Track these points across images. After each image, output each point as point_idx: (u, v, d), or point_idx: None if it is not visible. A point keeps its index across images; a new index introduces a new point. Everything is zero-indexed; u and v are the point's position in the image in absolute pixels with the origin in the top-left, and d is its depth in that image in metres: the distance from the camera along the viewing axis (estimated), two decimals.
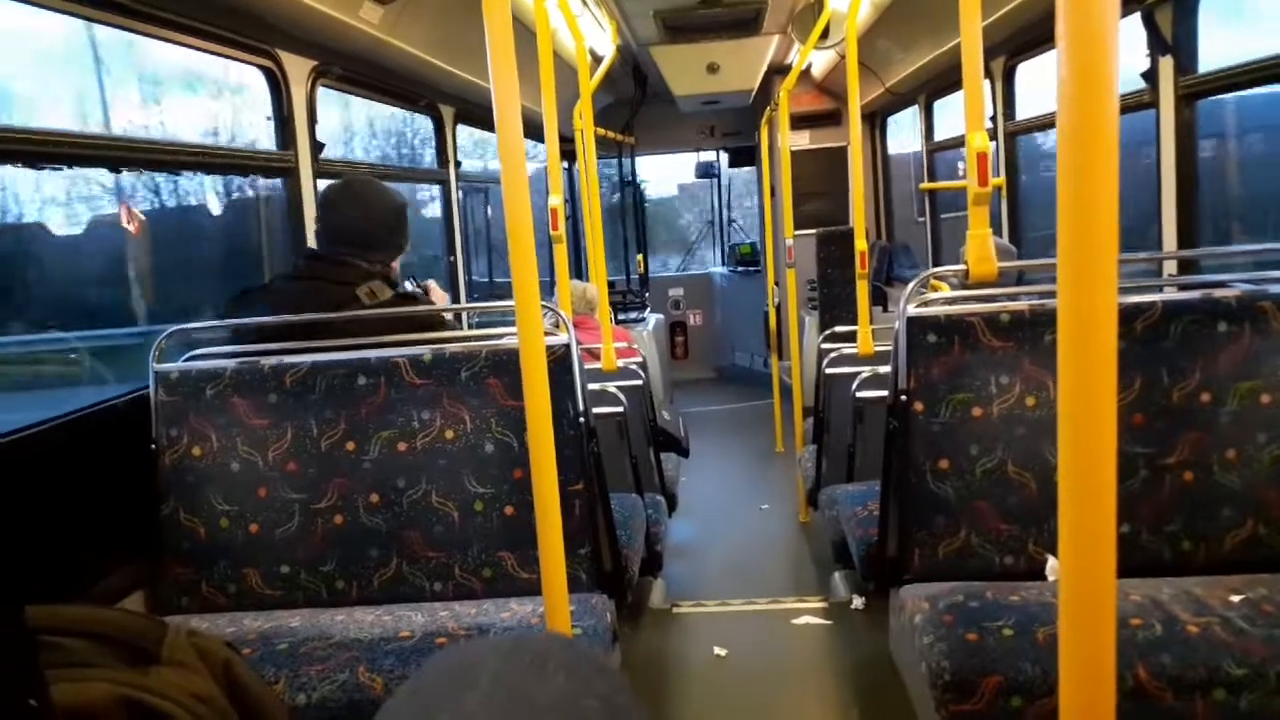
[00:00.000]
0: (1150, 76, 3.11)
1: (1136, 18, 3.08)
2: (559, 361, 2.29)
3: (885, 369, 3.10)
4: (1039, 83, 4.51)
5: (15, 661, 0.64)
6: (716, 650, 3.31)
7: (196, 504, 2.40)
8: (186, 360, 2.51)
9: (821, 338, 4.32)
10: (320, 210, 2.67)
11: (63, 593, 2.08)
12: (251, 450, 2.40)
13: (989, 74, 4.49)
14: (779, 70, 7.27)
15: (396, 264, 2.74)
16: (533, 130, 3.49)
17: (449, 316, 2.94)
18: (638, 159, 8.93)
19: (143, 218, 3.13)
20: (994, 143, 4.50)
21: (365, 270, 2.59)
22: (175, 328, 2.53)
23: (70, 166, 2.49)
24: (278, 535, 2.39)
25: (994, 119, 4.57)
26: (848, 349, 3.90)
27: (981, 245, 2.32)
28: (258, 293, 2.62)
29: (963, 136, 2.33)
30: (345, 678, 1.95)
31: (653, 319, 7.22)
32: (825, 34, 4.70)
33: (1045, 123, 4.45)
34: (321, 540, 2.39)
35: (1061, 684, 0.98)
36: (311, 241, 3.34)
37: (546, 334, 2.10)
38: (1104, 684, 0.96)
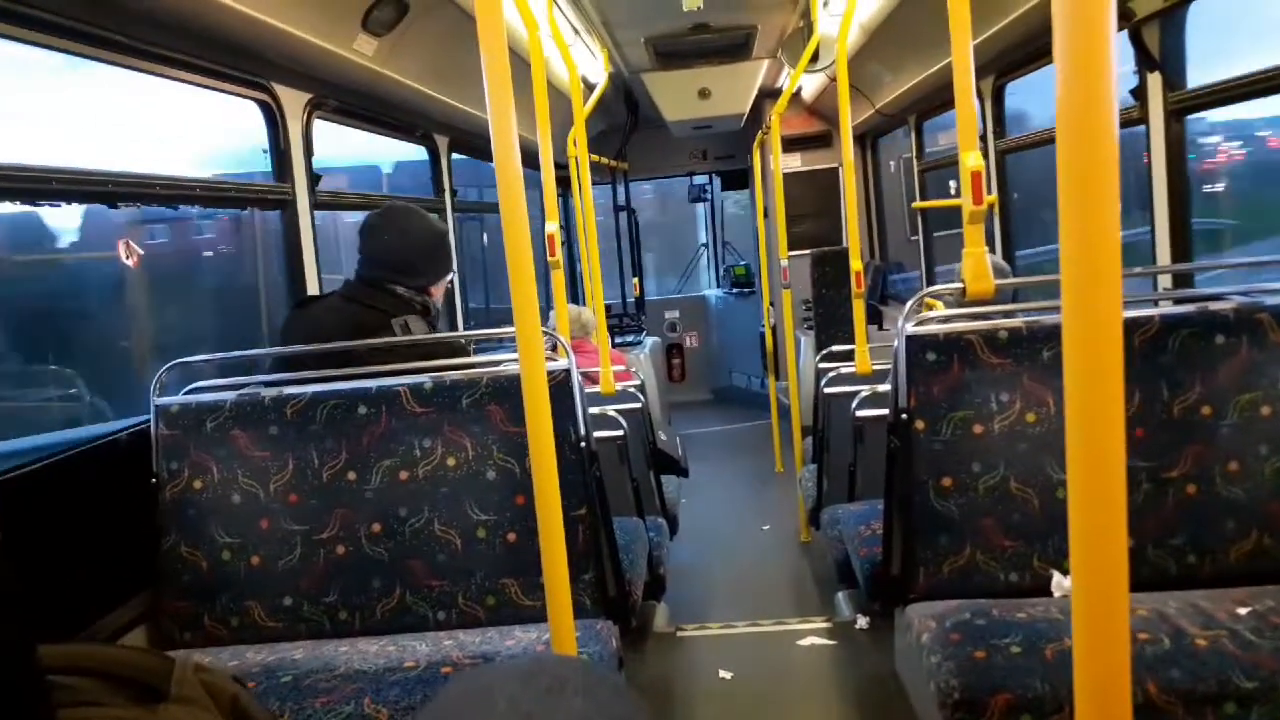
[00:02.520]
0: (1139, 93, 3.14)
1: (1124, 35, 3.11)
2: (559, 386, 2.29)
3: (884, 387, 3.11)
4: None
5: (31, 705, 0.64)
6: (722, 673, 3.28)
7: (198, 537, 2.39)
8: (187, 393, 2.51)
9: (818, 357, 4.33)
10: (362, 236, 2.71)
11: (64, 629, 2.07)
12: (253, 482, 2.39)
13: (979, 94, 4.53)
14: (770, 94, 7.32)
15: (439, 289, 2.77)
16: (528, 158, 3.51)
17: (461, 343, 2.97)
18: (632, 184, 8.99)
19: (141, 252, 3.13)
20: (985, 161, 4.53)
21: (406, 300, 2.64)
22: (175, 361, 2.53)
23: (67, 202, 2.50)
24: (280, 567, 2.38)
25: (984, 138, 4.60)
26: (845, 368, 3.91)
27: (978, 263, 2.33)
28: (314, 302, 2.78)
29: (954, 155, 2.34)
30: (350, 710, 1.94)
31: (649, 341, 7.24)
32: (815, 58, 4.74)
33: (1035, 140, 4.49)
34: (324, 571, 2.37)
35: (1077, 700, 0.98)
36: (311, 273, 3.36)
37: (546, 359, 2.10)
38: (1120, 699, 0.95)
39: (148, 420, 2.44)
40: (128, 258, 2.88)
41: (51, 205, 2.36)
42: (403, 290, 2.65)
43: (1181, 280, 3.16)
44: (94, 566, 2.25)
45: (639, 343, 7.12)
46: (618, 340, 7.02)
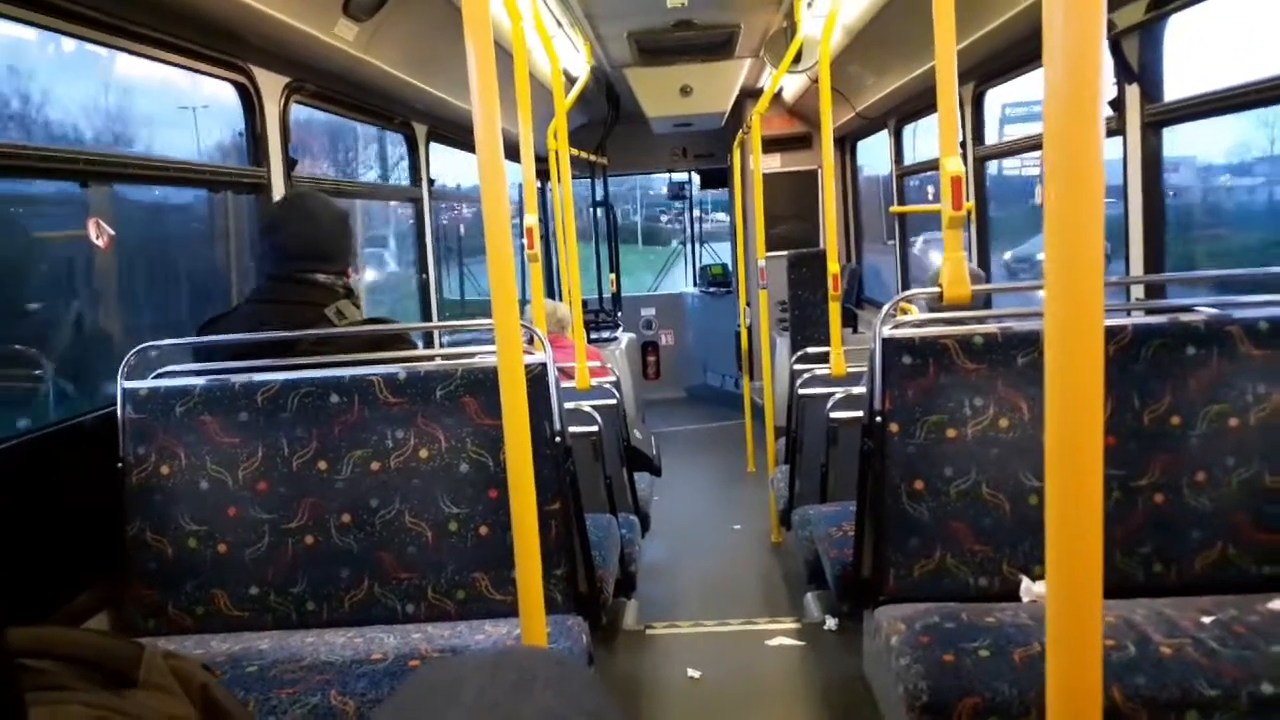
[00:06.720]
0: (1117, 104, 3.17)
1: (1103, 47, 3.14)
2: (536, 380, 2.28)
3: (858, 390, 3.12)
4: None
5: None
6: (690, 672, 3.29)
7: (164, 523, 2.36)
8: (155, 377, 2.47)
9: (793, 359, 4.34)
10: (267, 230, 2.61)
11: (26, 613, 2.03)
12: (221, 469, 2.36)
13: (959, 100, 4.56)
14: (751, 93, 7.34)
15: (352, 273, 2.71)
16: (508, 150, 3.49)
17: (417, 336, 2.91)
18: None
19: (112, 233, 3.08)
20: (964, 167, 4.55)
21: (329, 288, 2.57)
22: (144, 345, 2.49)
23: (36, 179, 2.45)
24: (247, 555, 2.35)
25: (963, 144, 4.63)
26: (820, 370, 3.92)
27: (956, 268, 2.34)
28: (225, 319, 2.58)
29: (934, 160, 2.36)
30: (317, 701, 1.92)
31: (625, 338, 7.23)
32: (797, 59, 4.75)
33: (1013, 148, 4.52)
34: (292, 561, 2.35)
35: (1049, 703, 0.98)
36: None
37: (524, 352, 2.09)
38: (1090, 704, 0.96)
39: (114, 404, 2.40)
40: (98, 238, 2.83)
41: (20, 182, 2.31)
42: (323, 278, 2.57)
43: (1154, 291, 3.20)
44: (57, 551, 2.21)
45: (615, 339, 7.11)
46: (593, 336, 7.00)
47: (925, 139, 6.13)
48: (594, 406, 3.38)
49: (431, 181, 5.05)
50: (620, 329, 7.60)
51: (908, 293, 2.72)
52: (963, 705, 1.87)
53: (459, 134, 5.28)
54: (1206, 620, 2.02)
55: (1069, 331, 0.96)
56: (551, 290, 7.76)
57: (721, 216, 12.57)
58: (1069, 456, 0.96)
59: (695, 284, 9.95)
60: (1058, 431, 0.97)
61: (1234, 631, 1.97)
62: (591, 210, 8.54)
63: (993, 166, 4.79)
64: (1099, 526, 0.95)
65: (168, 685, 0.81)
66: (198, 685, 0.85)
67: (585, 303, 7.63)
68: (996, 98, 4.56)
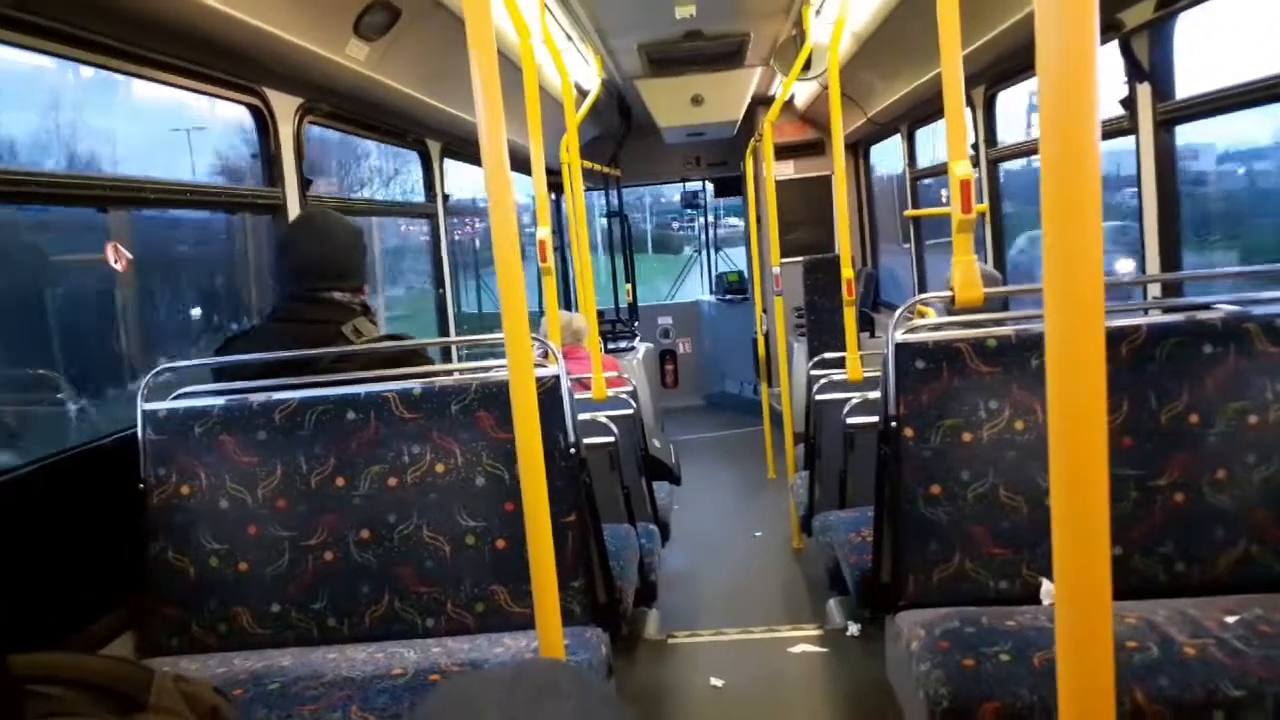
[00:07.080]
0: (1129, 103, 3.16)
1: (1114, 45, 3.12)
2: (549, 393, 2.29)
3: (875, 395, 3.11)
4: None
5: (1, 713, 0.63)
6: (713, 681, 3.28)
7: (185, 543, 2.38)
8: (175, 398, 2.50)
9: (810, 364, 4.34)
10: (282, 249, 2.63)
11: (51, 636, 2.05)
12: (241, 488, 2.38)
13: (970, 102, 4.55)
14: (762, 101, 7.35)
15: (367, 291, 2.73)
16: (520, 163, 3.49)
17: (434, 351, 2.92)
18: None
19: (130, 256, 3.13)
20: (976, 169, 4.54)
21: (346, 306, 2.59)
22: (163, 366, 2.52)
23: (56, 205, 2.49)
24: (268, 573, 2.36)
25: (976, 146, 4.62)
26: (837, 375, 3.91)
27: (967, 271, 2.33)
28: (243, 339, 2.61)
29: (944, 164, 2.35)
30: (338, 717, 1.93)
31: (642, 348, 7.24)
32: (807, 66, 4.75)
33: (1027, 149, 4.50)
34: (312, 578, 2.37)
35: (1061, 709, 0.98)
36: None
37: (536, 365, 2.10)
38: (1103, 707, 0.95)
39: (134, 426, 2.43)
40: (116, 262, 2.87)
41: (40, 208, 2.35)
42: (340, 295, 2.59)
43: (1171, 290, 3.17)
44: (80, 572, 2.24)
45: (632, 349, 7.13)
46: (610, 346, 7.02)
47: (942, 140, 6.11)
48: (610, 417, 3.39)
49: (446, 197, 5.08)
50: (638, 338, 7.62)
51: (922, 296, 2.71)
52: (983, 710, 1.86)
53: (474, 149, 5.30)
54: (1230, 620, 2.00)
55: (1070, 332, 0.95)
56: (567, 302, 7.78)
57: (735, 221, 12.58)
58: (1073, 456, 0.95)
59: (712, 292, 9.96)
60: (1061, 432, 0.96)
61: (1259, 631, 1.95)
62: (605, 221, 8.57)
63: (1019, 164, 4.75)
64: (1105, 526, 0.95)
65: (177, 709, 0.82)
66: (208, 708, 0.86)
67: (602, 313, 7.66)
68: (1020, 90, 4.54)
